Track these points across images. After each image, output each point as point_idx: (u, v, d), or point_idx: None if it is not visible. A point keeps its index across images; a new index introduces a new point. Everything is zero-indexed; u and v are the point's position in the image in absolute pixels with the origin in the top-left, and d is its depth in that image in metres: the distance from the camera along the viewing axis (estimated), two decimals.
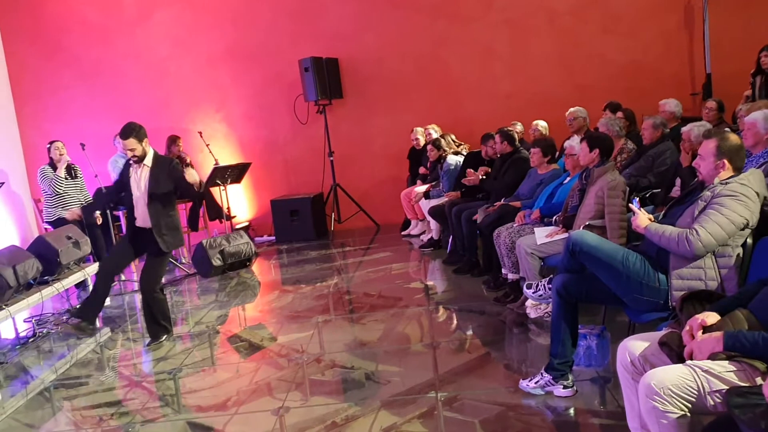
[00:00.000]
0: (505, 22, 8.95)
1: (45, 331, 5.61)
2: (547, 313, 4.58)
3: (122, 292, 6.82)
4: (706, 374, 2.21)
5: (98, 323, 5.47)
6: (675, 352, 2.41)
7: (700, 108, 7.06)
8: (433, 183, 7.76)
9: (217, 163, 7.82)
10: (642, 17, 8.68)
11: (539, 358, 3.94)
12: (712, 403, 2.19)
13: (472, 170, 6.58)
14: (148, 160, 4.97)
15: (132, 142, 4.89)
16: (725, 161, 3.05)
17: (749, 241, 3.03)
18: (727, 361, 2.23)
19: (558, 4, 8.84)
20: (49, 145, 7.08)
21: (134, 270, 7.22)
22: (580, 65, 8.81)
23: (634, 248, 3.37)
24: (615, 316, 4.35)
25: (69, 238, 6.01)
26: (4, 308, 4.89)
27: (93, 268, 6.49)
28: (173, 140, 8.07)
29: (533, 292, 3.95)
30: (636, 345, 2.60)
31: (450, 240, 6.89)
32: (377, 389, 3.82)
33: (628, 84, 8.44)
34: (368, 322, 5.14)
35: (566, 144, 5.32)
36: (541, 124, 7.41)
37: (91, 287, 6.45)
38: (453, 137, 8.11)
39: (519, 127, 7.66)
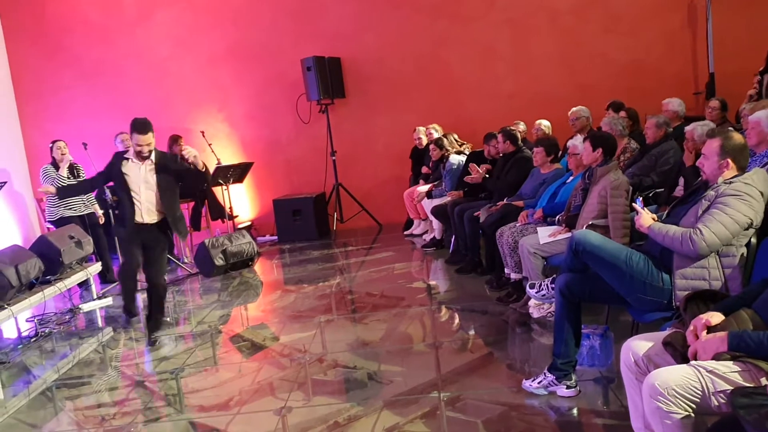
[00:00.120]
0: (506, 21, 8.94)
1: (47, 330, 5.62)
2: (550, 312, 4.57)
3: None
4: (711, 374, 2.20)
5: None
6: (679, 352, 2.40)
7: (703, 107, 7.04)
8: (436, 183, 7.75)
9: (219, 163, 7.83)
10: (644, 16, 8.66)
11: (542, 358, 3.93)
12: (716, 403, 2.17)
13: (475, 165, 6.55)
14: (153, 156, 5.00)
15: (150, 136, 4.94)
16: (729, 160, 3.04)
17: (753, 240, 3.02)
18: (731, 362, 2.22)
19: (560, 3, 8.82)
20: (51, 145, 7.08)
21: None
22: (583, 65, 8.79)
23: (638, 248, 3.36)
24: (618, 315, 4.34)
25: (71, 237, 6.02)
26: (6, 308, 4.89)
27: (95, 267, 6.51)
28: (175, 140, 8.06)
29: (536, 292, 3.95)
30: (640, 345, 2.59)
31: (452, 239, 6.88)
32: (380, 389, 3.81)
33: (631, 83, 8.42)
34: (371, 321, 5.13)
35: (569, 143, 5.31)
36: (544, 124, 7.40)
37: (94, 287, 6.50)
38: (456, 137, 8.10)
39: (522, 127, 7.65)
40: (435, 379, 3.85)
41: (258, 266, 7.59)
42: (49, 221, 7.15)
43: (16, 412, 4.02)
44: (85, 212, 7.06)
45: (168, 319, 5.66)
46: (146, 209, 5.06)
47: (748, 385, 2.16)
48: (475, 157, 7.02)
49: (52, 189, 5.38)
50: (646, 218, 3.23)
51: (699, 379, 2.19)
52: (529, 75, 8.93)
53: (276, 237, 9.12)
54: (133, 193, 5.02)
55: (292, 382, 4.05)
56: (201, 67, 9.37)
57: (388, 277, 6.53)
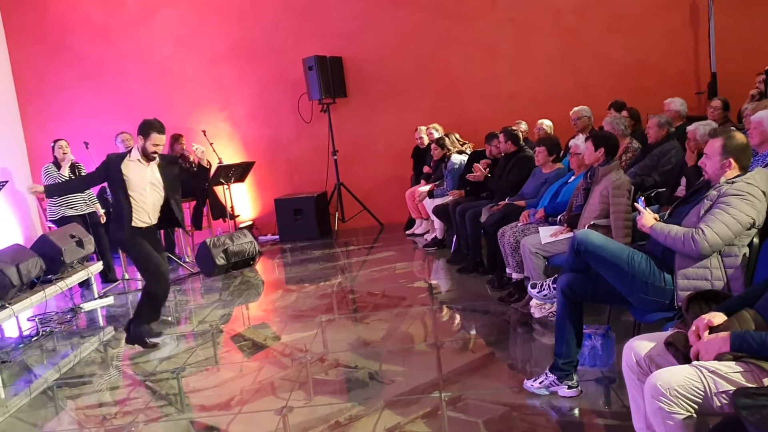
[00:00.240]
0: (508, 21, 8.93)
1: (48, 329, 5.62)
2: (551, 312, 4.56)
3: (126, 291, 6.81)
4: (713, 375, 2.19)
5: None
6: (681, 352, 2.40)
7: (706, 107, 7.03)
8: (437, 183, 7.74)
9: (220, 162, 7.82)
10: (647, 16, 8.65)
11: (544, 358, 3.92)
12: (718, 404, 2.17)
13: (479, 166, 6.55)
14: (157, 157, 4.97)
15: (164, 137, 4.93)
16: (731, 160, 3.03)
17: (756, 240, 3.01)
18: (734, 362, 2.21)
19: (562, 2, 8.81)
20: (53, 144, 7.08)
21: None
22: (585, 64, 8.78)
23: (640, 248, 3.35)
24: (620, 315, 4.33)
25: (72, 236, 6.02)
26: (7, 307, 4.89)
27: (97, 266, 6.51)
28: (176, 138, 8.07)
29: (538, 292, 3.94)
30: (641, 345, 2.58)
31: (454, 239, 6.87)
32: (381, 389, 3.80)
33: (633, 83, 8.40)
34: (372, 321, 5.13)
35: (571, 143, 5.30)
36: (546, 123, 7.39)
37: (95, 286, 6.50)
38: (457, 136, 8.10)
39: (523, 126, 7.64)
40: (436, 379, 3.85)
41: (259, 265, 7.59)
42: (50, 220, 7.15)
43: (17, 411, 4.02)
44: (87, 211, 7.06)
45: (169, 318, 5.67)
46: (152, 210, 4.92)
47: (750, 385, 2.15)
48: (477, 157, 7.01)
49: (41, 188, 5.09)
50: (648, 218, 3.22)
51: (701, 380, 2.18)
52: (531, 74, 8.92)
53: (277, 236, 9.12)
54: (134, 195, 4.84)
55: (293, 381, 4.05)
56: (203, 66, 9.37)
57: (389, 276, 6.53)
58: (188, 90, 9.40)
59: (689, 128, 5.06)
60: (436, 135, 8.04)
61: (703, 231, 2.94)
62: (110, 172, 4.85)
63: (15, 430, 3.79)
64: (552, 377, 3.43)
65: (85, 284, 6.61)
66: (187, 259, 8.01)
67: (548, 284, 3.89)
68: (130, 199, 4.83)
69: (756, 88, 6.58)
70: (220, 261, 7.04)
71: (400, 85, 9.14)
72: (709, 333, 2.34)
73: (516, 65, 8.97)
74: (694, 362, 2.28)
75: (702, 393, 2.17)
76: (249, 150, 9.42)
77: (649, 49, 8.63)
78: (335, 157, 9.19)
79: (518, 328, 4.68)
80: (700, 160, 3.22)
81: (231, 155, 9.15)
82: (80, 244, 6.03)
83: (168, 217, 5.07)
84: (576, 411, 3.30)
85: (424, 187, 7.91)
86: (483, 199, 6.48)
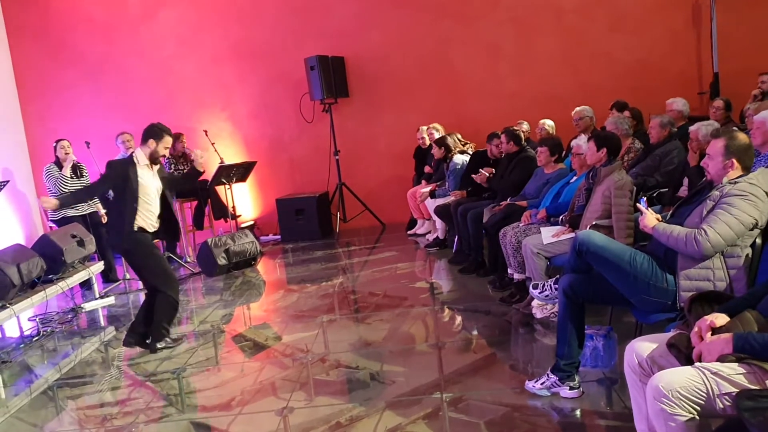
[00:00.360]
0: (511, 20, 8.92)
1: (49, 329, 5.61)
2: (553, 313, 4.55)
3: (127, 291, 6.80)
4: (715, 376, 2.18)
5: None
6: (683, 353, 2.38)
7: (708, 107, 7.02)
8: (438, 183, 7.73)
9: (222, 162, 7.81)
10: (649, 15, 8.63)
11: (545, 359, 3.92)
12: (721, 406, 2.15)
13: (483, 172, 6.53)
14: None
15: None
16: (734, 160, 3.02)
17: (758, 241, 3.00)
18: (736, 363, 2.20)
19: (564, 2, 8.80)
20: (55, 144, 7.08)
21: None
22: (587, 64, 8.77)
23: (642, 248, 3.34)
24: (622, 316, 4.32)
25: (74, 236, 6.02)
26: (8, 307, 4.90)
27: (98, 266, 6.51)
28: (176, 137, 8.02)
29: (539, 293, 3.92)
30: (643, 346, 2.57)
31: (456, 239, 6.86)
32: (382, 389, 3.79)
33: (635, 83, 8.39)
34: (373, 321, 5.12)
35: (573, 143, 5.28)
36: (548, 123, 7.37)
37: (96, 286, 6.50)
38: (459, 136, 8.08)
39: (525, 126, 7.63)
40: (437, 380, 3.84)
41: (261, 266, 7.58)
42: (51, 220, 7.16)
43: (17, 412, 4.02)
44: (88, 211, 7.07)
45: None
46: (156, 215, 4.85)
47: (753, 387, 2.14)
48: (479, 157, 7.01)
49: (54, 202, 4.78)
50: (650, 218, 3.21)
51: (703, 381, 2.17)
52: (533, 74, 8.90)
53: (279, 236, 9.11)
54: (147, 200, 4.72)
55: (294, 382, 4.04)
56: (204, 65, 9.36)
57: (390, 276, 6.52)
58: (190, 89, 9.40)
59: (691, 128, 5.05)
60: (437, 135, 8.02)
61: (705, 231, 2.92)
62: (121, 178, 4.68)
63: (15, 430, 3.79)
64: (553, 378, 3.41)
65: (86, 284, 6.61)
66: (188, 259, 8.00)
67: (550, 285, 3.88)
68: (142, 204, 4.70)
69: (758, 88, 6.58)
70: (222, 261, 7.04)
71: (402, 85, 9.14)
72: (712, 334, 2.33)
73: (518, 65, 8.96)
74: (697, 364, 2.26)
75: (704, 395, 2.16)
76: (250, 150, 9.41)
77: (651, 49, 8.61)
78: (337, 157, 9.18)
79: (520, 328, 4.67)
80: (702, 161, 3.20)
81: (232, 155, 9.15)
82: (81, 243, 6.03)
83: (165, 228, 4.99)
84: (577, 412, 3.29)
85: (426, 188, 7.89)
86: (485, 200, 6.47)
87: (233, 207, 7.95)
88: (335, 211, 9.25)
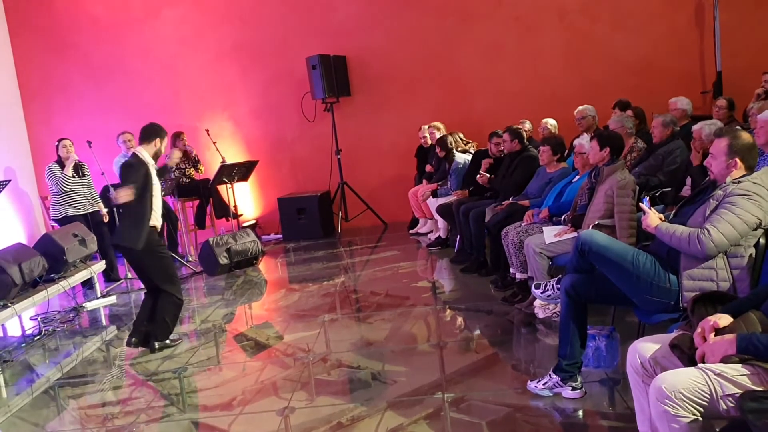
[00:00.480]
0: (514, 19, 8.90)
1: (51, 329, 5.61)
2: (555, 313, 4.54)
3: (129, 290, 6.80)
4: (719, 378, 2.16)
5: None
6: (686, 354, 2.37)
7: (711, 106, 7.00)
8: (440, 182, 7.71)
9: (224, 161, 7.81)
10: (652, 14, 8.60)
11: (547, 359, 3.91)
12: (724, 407, 2.14)
13: (484, 173, 6.52)
14: None
15: None
16: (737, 160, 3.00)
17: (762, 241, 2.99)
18: (740, 365, 2.18)
19: (567, 1, 8.77)
20: (57, 143, 7.08)
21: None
22: (590, 63, 8.74)
23: (644, 248, 3.33)
24: (624, 316, 4.31)
25: (75, 236, 6.02)
26: (9, 306, 4.90)
27: (99, 265, 6.51)
28: (177, 135, 8.06)
29: (542, 293, 3.91)
30: (646, 347, 2.56)
31: (458, 239, 6.85)
32: (383, 389, 3.79)
33: (638, 82, 8.37)
34: (375, 321, 5.11)
35: (575, 142, 5.27)
36: (551, 123, 7.35)
37: (98, 285, 6.50)
38: (461, 135, 8.07)
39: (528, 126, 7.60)
40: (439, 380, 3.83)
41: (262, 265, 7.58)
42: (53, 219, 7.16)
43: (19, 411, 4.01)
44: (90, 210, 7.07)
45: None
46: (161, 213, 4.88)
47: (757, 388, 2.12)
48: (481, 156, 6.99)
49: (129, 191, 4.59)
50: (653, 218, 3.20)
51: (707, 383, 2.16)
52: (536, 73, 8.88)
53: (281, 235, 9.11)
54: (156, 198, 4.77)
55: (295, 381, 4.03)
56: (206, 65, 9.36)
57: (392, 276, 6.51)
58: (192, 89, 9.40)
59: (694, 127, 5.03)
60: (438, 134, 8.00)
61: (708, 231, 2.91)
62: (145, 177, 4.67)
63: (17, 430, 3.79)
64: (556, 378, 3.40)
65: (87, 283, 6.62)
66: (190, 258, 8.00)
67: (552, 284, 3.86)
68: (155, 202, 4.74)
69: (762, 87, 6.55)
70: (223, 260, 7.03)
71: (404, 84, 9.12)
72: (715, 335, 2.31)
73: (520, 64, 8.94)
74: (700, 365, 2.25)
75: (708, 396, 2.14)
76: (252, 149, 9.41)
77: (654, 48, 8.59)
78: (339, 156, 9.17)
79: (522, 328, 4.66)
80: (705, 160, 3.19)
81: (234, 154, 9.15)
82: (83, 243, 6.03)
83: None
84: (580, 413, 3.28)
85: (427, 187, 7.87)
86: (487, 199, 6.46)
87: (235, 206, 7.94)
88: (337, 210, 9.25)
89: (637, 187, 4.23)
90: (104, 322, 5.91)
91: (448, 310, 5.31)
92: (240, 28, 9.26)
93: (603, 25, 8.72)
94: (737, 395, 2.10)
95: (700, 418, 2.16)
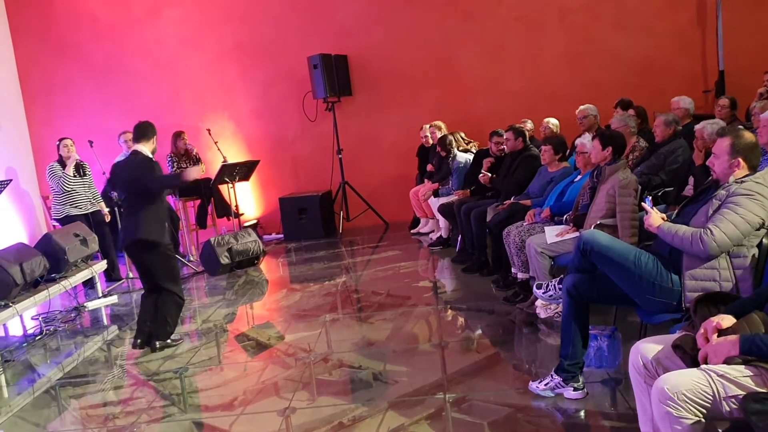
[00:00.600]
0: (516, 18, 8.88)
1: (52, 328, 5.61)
2: (557, 313, 4.53)
3: (130, 290, 6.80)
4: (722, 379, 2.15)
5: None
6: (689, 355, 2.36)
7: (713, 105, 6.98)
8: (441, 182, 7.69)
9: (225, 161, 7.81)
10: (654, 13, 8.59)
11: (549, 359, 3.89)
12: (727, 408, 2.13)
13: (485, 172, 6.51)
14: None
15: None
16: (740, 159, 2.99)
17: (765, 241, 2.97)
18: (743, 366, 2.18)
19: (569, 0, 8.75)
20: (58, 143, 7.08)
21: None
22: (592, 62, 8.72)
23: (647, 248, 3.32)
24: (626, 316, 4.29)
25: (76, 235, 6.02)
26: (11, 306, 4.90)
27: (101, 265, 6.51)
28: (178, 135, 8.05)
29: (543, 292, 3.90)
30: (648, 348, 2.55)
31: (459, 238, 6.84)
32: (385, 389, 3.78)
33: (640, 81, 8.35)
34: (376, 321, 5.10)
35: (577, 142, 5.26)
36: (552, 122, 7.34)
37: (99, 285, 6.49)
38: (462, 135, 8.06)
39: (529, 125, 7.58)
40: (440, 380, 3.82)
41: (263, 265, 7.57)
42: (54, 219, 7.16)
43: (20, 411, 4.01)
44: (91, 210, 7.06)
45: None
46: None
47: (760, 390, 2.12)
48: (483, 156, 6.98)
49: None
50: (655, 218, 3.19)
51: (710, 384, 2.15)
52: (537, 72, 8.87)
53: (282, 235, 9.10)
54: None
55: (296, 381, 4.03)
56: (208, 64, 9.36)
57: (394, 275, 6.50)
58: (193, 88, 9.40)
59: (697, 127, 5.02)
60: (439, 133, 7.99)
61: (711, 231, 2.90)
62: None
63: (18, 430, 3.79)
64: (557, 379, 3.39)
65: (88, 283, 6.61)
66: (191, 258, 7.99)
67: (554, 284, 3.85)
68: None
69: (764, 86, 6.54)
70: (224, 260, 7.03)
71: (406, 83, 9.11)
72: (718, 336, 2.30)
73: (522, 63, 8.93)
74: (703, 366, 2.24)
75: (710, 397, 2.14)
76: (253, 148, 9.40)
77: (657, 47, 8.57)
78: (340, 156, 9.16)
79: (523, 328, 4.65)
80: (708, 160, 3.18)
81: (235, 154, 9.15)
82: (84, 242, 6.03)
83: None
84: (582, 413, 3.27)
85: (428, 187, 7.86)
86: (488, 198, 6.45)
87: (236, 206, 7.94)
88: (338, 209, 9.24)
89: (639, 187, 4.22)
90: (105, 321, 5.91)
91: (450, 310, 5.31)
92: (241, 28, 9.26)
93: (604, 24, 8.71)
94: (740, 397, 2.09)
95: (703, 420, 2.15)
